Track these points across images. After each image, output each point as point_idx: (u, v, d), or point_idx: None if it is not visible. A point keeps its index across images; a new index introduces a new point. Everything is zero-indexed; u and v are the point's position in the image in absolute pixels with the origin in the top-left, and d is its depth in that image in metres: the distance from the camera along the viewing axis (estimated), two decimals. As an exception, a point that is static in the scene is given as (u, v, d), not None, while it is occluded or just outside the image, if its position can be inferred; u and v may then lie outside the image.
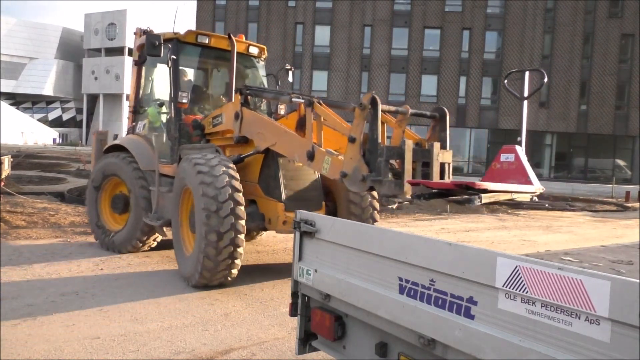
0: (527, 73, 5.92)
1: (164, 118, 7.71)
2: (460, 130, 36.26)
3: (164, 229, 7.30)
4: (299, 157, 5.66)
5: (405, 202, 17.40)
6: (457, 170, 34.15)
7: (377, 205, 7.22)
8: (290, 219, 6.14)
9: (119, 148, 8.02)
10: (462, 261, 1.96)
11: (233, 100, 6.69)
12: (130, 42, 33.12)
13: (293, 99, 6.10)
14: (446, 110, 5.18)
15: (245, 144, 6.55)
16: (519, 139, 5.46)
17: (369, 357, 2.47)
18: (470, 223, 13.61)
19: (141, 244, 7.62)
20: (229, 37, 7.32)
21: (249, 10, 38.71)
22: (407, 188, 4.60)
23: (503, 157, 4.76)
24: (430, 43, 37.23)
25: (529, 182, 4.69)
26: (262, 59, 8.17)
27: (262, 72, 8.19)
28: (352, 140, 4.83)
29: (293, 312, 2.94)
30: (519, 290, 1.77)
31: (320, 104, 5.45)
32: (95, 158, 8.68)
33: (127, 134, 8.38)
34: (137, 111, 8.08)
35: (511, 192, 4.58)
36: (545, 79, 5.88)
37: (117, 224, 7.92)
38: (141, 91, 8.05)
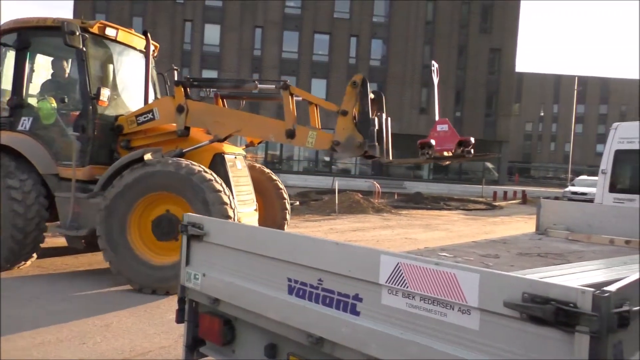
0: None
1: (55, 115, 6.80)
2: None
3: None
4: (275, 136, 6.28)
5: (297, 203, 17.69)
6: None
7: (288, 207, 8.37)
8: (241, 218, 6.53)
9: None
10: (349, 260, 2.02)
11: (165, 96, 6.89)
12: None
13: (259, 85, 6.63)
14: (382, 94, 6.30)
15: (186, 137, 6.58)
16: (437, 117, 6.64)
17: (259, 359, 2.46)
18: (357, 223, 14.12)
19: (24, 262, 6.67)
20: (145, 34, 7.23)
21: (134, 3, 36.78)
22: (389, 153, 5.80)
23: (439, 127, 6.18)
24: (320, 48, 38.07)
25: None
26: (155, 56, 7.85)
27: (153, 70, 7.86)
28: (344, 113, 5.72)
29: (180, 319, 2.84)
30: (400, 286, 1.86)
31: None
32: None
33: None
34: (21, 105, 6.89)
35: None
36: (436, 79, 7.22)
37: None
38: (24, 82, 6.99)
